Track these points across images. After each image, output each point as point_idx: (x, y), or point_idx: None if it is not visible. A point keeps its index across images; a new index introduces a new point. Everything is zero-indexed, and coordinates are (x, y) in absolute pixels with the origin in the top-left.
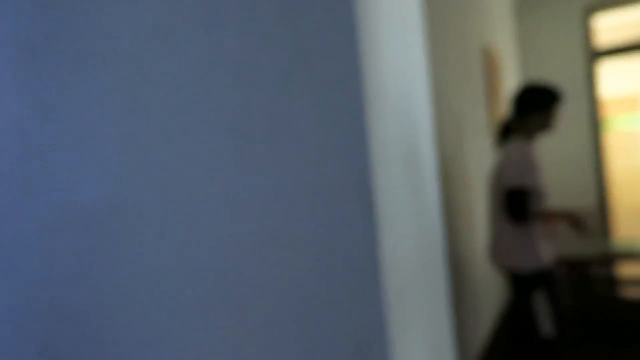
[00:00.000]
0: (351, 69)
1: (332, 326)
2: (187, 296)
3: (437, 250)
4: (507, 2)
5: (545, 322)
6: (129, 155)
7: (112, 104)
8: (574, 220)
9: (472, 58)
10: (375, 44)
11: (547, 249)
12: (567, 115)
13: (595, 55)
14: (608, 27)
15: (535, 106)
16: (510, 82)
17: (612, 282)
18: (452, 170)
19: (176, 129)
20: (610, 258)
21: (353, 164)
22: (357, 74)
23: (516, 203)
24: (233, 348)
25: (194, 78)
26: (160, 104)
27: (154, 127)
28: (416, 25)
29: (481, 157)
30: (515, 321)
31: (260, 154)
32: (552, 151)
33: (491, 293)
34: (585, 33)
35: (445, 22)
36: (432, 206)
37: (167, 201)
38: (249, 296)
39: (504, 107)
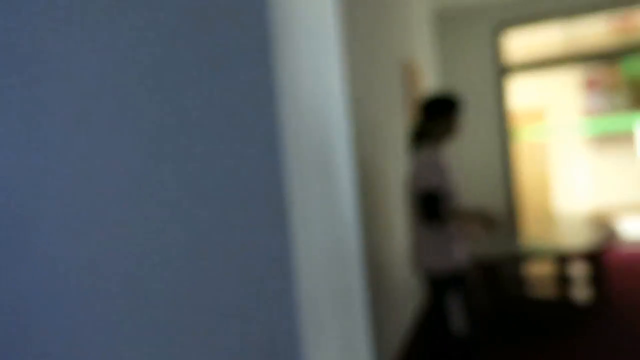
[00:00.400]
0: (264, 75)
1: (245, 332)
2: (95, 303)
3: (353, 255)
4: (426, 16)
5: (459, 322)
6: (32, 157)
7: (9, 104)
8: (484, 219)
9: (391, 69)
10: (289, 51)
11: (461, 250)
12: (479, 126)
13: (504, 70)
14: (518, 44)
15: (438, 114)
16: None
17: (521, 281)
18: (371, 178)
19: (81, 132)
20: (519, 258)
21: (266, 172)
22: (270, 80)
23: (430, 205)
24: (144, 356)
25: (100, 78)
26: (63, 105)
27: (58, 129)
28: (332, 36)
29: (400, 164)
30: (431, 322)
31: (171, 159)
32: (465, 159)
33: (410, 295)
34: (496, 49)
35: (365, 34)
36: (347, 212)
37: (73, 204)
38: (159, 303)
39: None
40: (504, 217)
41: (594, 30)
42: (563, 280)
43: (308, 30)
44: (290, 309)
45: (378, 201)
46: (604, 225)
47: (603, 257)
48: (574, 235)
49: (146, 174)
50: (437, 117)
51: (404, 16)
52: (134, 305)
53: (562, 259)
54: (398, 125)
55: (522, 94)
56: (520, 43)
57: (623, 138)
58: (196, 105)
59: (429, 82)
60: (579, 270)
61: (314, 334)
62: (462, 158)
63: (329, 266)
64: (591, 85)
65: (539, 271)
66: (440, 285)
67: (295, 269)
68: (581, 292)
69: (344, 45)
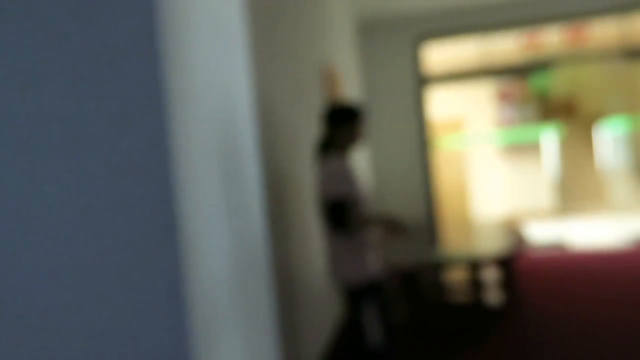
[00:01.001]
0: (154, 75)
1: (137, 353)
2: None
3: (261, 267)
4: (348, 25)
5: (375, 333)
6: None
7: None
8: (393, 226)
9: (311, 74)
10: (184, 51)
11: (374, 259)
12: (400, 135)
13: (424, 80)
14: (437, 56)
15: (340, 123)
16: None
17: (439, 287)
18: (286, 187)
19: None
20: (436, 266)
21: (156, 184)
22: (161, 81)
23: (337, 213)
24: None
25: None
26: None
27: None
28: (239, 39)
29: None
30: (347, 333)
31: (52, 166)
32: (386, 167)
33: (327, 306)
34: (416, 60)
35: (280, 38)
36: (256, 224)
37: None
38: (37, 326)
39: None
40: (418, 224)
41: (505, 46)
42: (477, 285)
43: (209, 31)
44: (182, 327)
45: (292, 210)
46: (515, 232)
47: (513, 262)
48: (487, 242)
49: (24, 187)
50: (340, 125)
51: (325, 22)
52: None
53: (476, 264)
54: (318, 129)
55: (440, 104)
56: (439, 55)
57: (532, 148)
58: (80, 106)
59: (351, 90)
60: (491, 275)
61: (208, 350)
62: (382, 166)
63: (232, 278)
64: (503, 97)
65: (456, 277)
66: (355, 296)
67: (187, 286)
68: (494, 296)
69: (258, 49)
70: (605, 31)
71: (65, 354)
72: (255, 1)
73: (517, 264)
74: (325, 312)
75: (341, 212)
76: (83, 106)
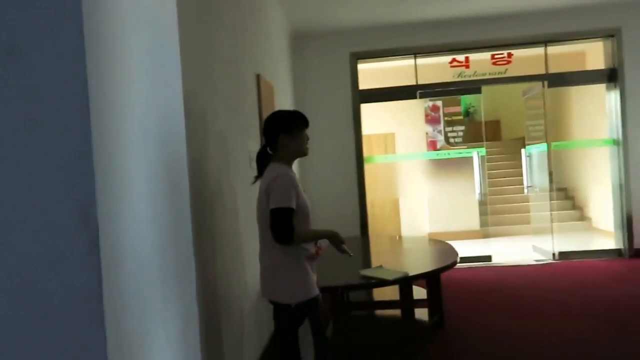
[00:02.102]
0: (74, 76)
1: None
2: None
3: (188, 281)
4: (283, 36)
5: (310, 351)
6: None
7: None
8: (334, 239)
9: (246, 84)
10: (111, 56)
11: (312, 278)
12: (332, 149)
13: (359, 96)
14: (372, 73)
15: (281, 130)
16: None
17: (370, 303)
18: (220, 199)
19: None
20: (366, 283)
21: (74, 196)
22: (82, 82)
23: (279, 224)
24: None
25: None
26: None
27: None
28: (174, 46)
29: (253, 188)
30: (281, 350)
31: None
32: (317, 182)
33: (260, 325)
34: (352, 76)
35: (216, 46)
36: (184, 236)
37: None
38: None
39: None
40: (355, 239)
41: (437, 67)
42: (406, 300)
43: (142, 37)
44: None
45: (226, 228)
46: (443, 248)
47: (440, 278)
48: (416, 258)
49: None
50: (279, 134)
51: (261, 32)
52: None
53: (405, 280)
54: (254, 146)
55: (372, 120)
56: (374, 72)
57: (459, 167)
58: None
59: (284, 102)
60: (420, 291)
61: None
62: (314, 180)
63: (156, 289)
64: (433, 117)
65: (385, 292)
66: (290, 316)
67: (107, 310)
68: (423, 312)
69: (194, 57)
70: (530, 59)
71: None
72: (191, 8)
73: (444, 279)
74: (257, 331)
75: (283, 224)
76: None
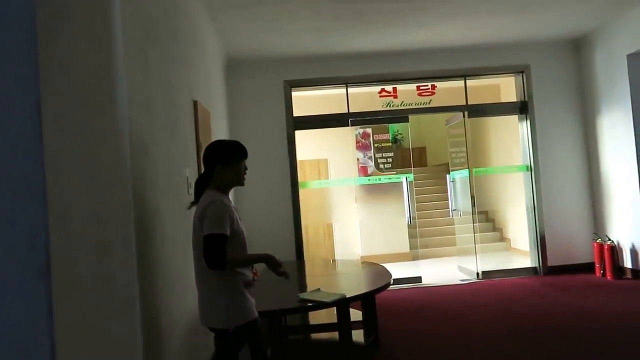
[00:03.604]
0: (26, 101)
1: None
2: None
3: (134, 312)
4: (219, 64)
5: None
6: None
7: None
8: (270, 263)
9: (183, 110)
10: (58, 78)
11: (251, 302)
12: (267, 175)
13: (293, 123)
14: (305, 101)
15: (219, 160)
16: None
17: (306, 327)
18: (158, 226)
19: None
20: (302, 307)
21: (24, 223)
22: (35, 105)
23: (212, 250)
24: None
25: None
26: None
27: None
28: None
29: (190, 214)
30: None
31: None
32: (253, 207)
33: (199, 350)
34: (286, 104)
35: (152, 73)
36: (129, 269)
37: None
38: None
39: None
40: (291, 263)
41: (367, 96)
42: (341, 322)
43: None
44: None
45: (163, 249)
46: (376, 271)
47: (374, 300)
48: (352, 280)
49: None
50: (217, 163)
51: (197, 58)
52: None
53: (343, 302)
54: (191, 172)
55: (307, 146)
56: (308, 100)
57: (389, 192)
58: None
59: (219, 128)
60: (355, 313)
61: None
62: (252, 205)
63: (99, 316)
64: (362, 143)
65: (321, 315)
66: (229, 341)
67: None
68: (358, 333)
69: (131, 80)
70: (452, 90)
71: None
72: (134, 35)
73: (378, 301)
74: (196, 354)
75: (216, 250)
76: None
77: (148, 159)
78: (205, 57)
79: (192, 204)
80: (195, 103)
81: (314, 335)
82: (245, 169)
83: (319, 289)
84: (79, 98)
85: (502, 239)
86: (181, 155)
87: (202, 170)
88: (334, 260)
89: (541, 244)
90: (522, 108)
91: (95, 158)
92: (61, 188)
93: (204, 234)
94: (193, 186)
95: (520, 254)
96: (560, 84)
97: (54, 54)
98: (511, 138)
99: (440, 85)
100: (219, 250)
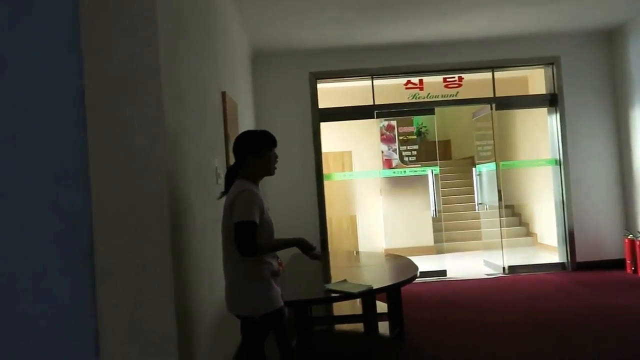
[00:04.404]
0: (69, 91)
1: None
2: None
3: (169, 300)
4: (245, 57)
5: None
6: None
7: None
8: (304, 246)
9: (212, 103)
10: (102, 71)
11: (277, 291)
12: (292, 166)
13: (319, 115)
14: (329, 93)
15: (249, 150)
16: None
17: (331, 317)
18: (189, 215)
19: None
20: (327, 297)
21: (67, 211)
22: (78, 95)
23: (243, 237)
24: None
25: None
26: None
27: None
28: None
29: (219, 204)
30: None
31: None
32: (278, 199)
33: (227, 338)
34: (311, 96)
35: (183, 66)
36: (165, 258)
37: None
38: None
39: None
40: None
41: (393, 88)
42: (367, 315)
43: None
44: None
45: (196, 246)
46: (402, 263)
47: (399, 292)
48: (377, 273)
49: None
50: (248, 153)
51: (225, 50)
52: None
53: (370, 294)
54: (219, 157)
55: (331, 138)
56: (333, 92)
57: (414, 185)
58: None
59: (246, 120)
60: (381, 305)
61: None
62: (277, 197)
63: (135, 303)
64: (388, 135)
65: (346, 306)
66: (255, 329)
67: (98, 317)
68: (383, 325)
69: (163, 74)
70: (479, 83)
71: None
72: (164, 30)
73: (403, 293)
74: (223, 341)
75: (246, 237)
76: None
77: (179, 149)
78: (233, 49)
79: (223, 194)
80: (223, 94)
81: (338, 326)
82: (276, 157)
83: (345, 280)
84: (116, 87)
85: (529, 233)
86: (210, 146)
87: (231, 161)
88: (357, 252)
89: (570, 239)
90: (551, 100)
91: (131, 148)
92: (100, 176)
93: (234, 222)
94: (222, 176)
95: (547, 249)
96: (592, 75)
97: (94, 46)
98: (539, 131)
99: (467, 77)
100: (250, 237)
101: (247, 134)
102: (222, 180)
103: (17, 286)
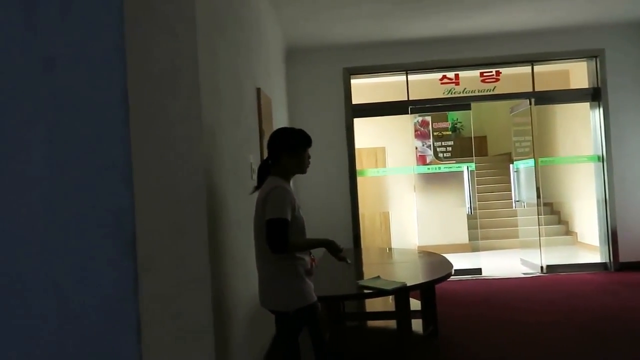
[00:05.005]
0: (114, 88)
1: None
2: None
3: (205, 292)
4: (280, 52)
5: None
6: None
7: None
8: (332, 247)
9: (247, 98)
10: (145, 67)
11: (310, 286)
12: (328, 163)
13: (352, 111)
14: (364, 88)
15: (285, 148)
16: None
17: (361, 315)
18: (224, 211)
19: None
20: (360, 294)
21: (111, 203)
22: (122, 94)
23: (275, 234)
24: None
25: None
26: None
27: None
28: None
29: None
30: (282, 358)
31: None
32: (314, 195)
33: (259, 332)
34: (345, 91)
35: (219, 62)
36: (202, 252)
37: None
38: None
39: None
40: (348, 251)
41: (428, 83)
42: (400, 312)
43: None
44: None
45: (231, 241)
46: (436, 261)
47: (434, 290)
48: (410, 269)
49: None
50: (283, 151)
51: (260, 47)
52: None
53: (403, 291)
54: (255, 159)
55: (363, 134)
56: (366, 87)
57: (448, 181)
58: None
59: (282, 117)
60: (414, 302)
61: None
62: (309, 193)
63: (175, 294)
64: (423, 131)
65: (378, 303)
66: (290, 324)
67: (140, 307)
68: (417, 322)
69: (202, 72)
70: (517, 77)
71: None
72: (200, 26)
73: (437, 291)
74: (256, 336)
75: (278, 234)
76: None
77: (215, 145)
78: (267, 45)
79: (255, 188)
80: (258, 91)
81: (370, 323)
82: (309, 157)
83: (378, 276)
84: (155, 85)
85: (568, 232)
86: (245, 142)
87: (265, 156)
88: (390, 249)
89: (612, 238)
90: (594, 95)
91: (170, 144)
92: (141, 171)
93: (266, 219)
94: (256, 172)
95: (588, 248)
96: (638, 69)
97: (135, 44)
98: (580, 127)
99: (505, 71)
100: (281, 234)
101: (284, 131)
102: (256, 176)
103: (65, 277)
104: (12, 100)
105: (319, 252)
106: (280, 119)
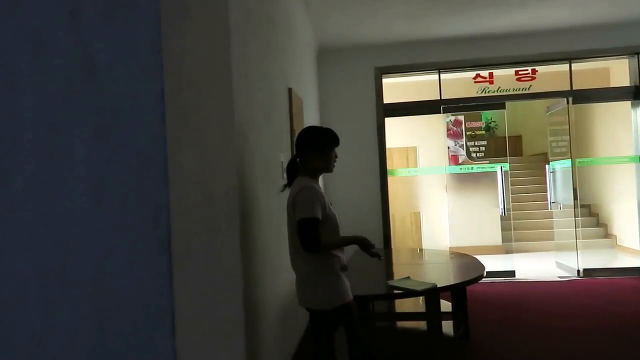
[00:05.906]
0: (151, 87)
1: None
2: None
3: (237, 290)
4: (311, 52)
5: (341, 356)
6: None
7: None
8: (364, 244)
9: (278, 98)
10: (182, 68)
11: (346, 284)
12: (359, 163)
13: (383, 110)
14: (394, 87)
15: (312, 147)
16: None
17: (391, 316)
18: (256, 210)
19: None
20: (390, 294)
21: (148, 199)
22: (159, 94)
23: (307, 234)
24: None
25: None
26: None
27: None
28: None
29: (284, 197)
30: (316, 357)
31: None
32: (344, 194)
33: (290, 330)
34: (376, 91)
35: (252, 61)
36: (234, 249)
37: None
38: None
39: None
40: (378, 251)
41: (461, 82)
42: (430, 313)
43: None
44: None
45: (264, 239)
46: (467, 262)
47: (465, 291)
48: (441, 271)
49: None
50: (310, 150)
51: (292, 46)
52: None
53: (434, 292)
54: (285, 152)
55: (394, 134)
56: (397, 87)
57: (481, 181)
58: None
59: (311, 115)
60: (445, 304)
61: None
62: (340, 192)
63: (209, 290)
64: (455, 131)
65: (408, 304)
66: (326, 322)
67: (175, 306)
68: (447, 324)
69: (237, 72)
70: (554, 75)
71: None
72: (232, 20)
73: (468, 293)
74: (287, 333)
75: (310, 234)
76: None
77: (247, 144)
78: (299, 44)
79: (285, 186)
80: (289, 91)
81: (400, 324)
82: (336, 156)
83: (408, 277)
84: (190, 86)
85: (607, 235)
86: (276, 141)
87: (294, 156)
88: (421, 250)
89: None
90: (636, 93)
91: (204, 142)
92: (177, 169)
93: (297, 219)
94: (286, 170)
95: (628, 252)
96: None
97: (171, 46)
98: (621, 126)
99: (541, 69)
100: (312, 233)
101: (311, 129)
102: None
103: (104, 270)
104: (59, 101)
105: (349, 251)
106: (311, 119)
